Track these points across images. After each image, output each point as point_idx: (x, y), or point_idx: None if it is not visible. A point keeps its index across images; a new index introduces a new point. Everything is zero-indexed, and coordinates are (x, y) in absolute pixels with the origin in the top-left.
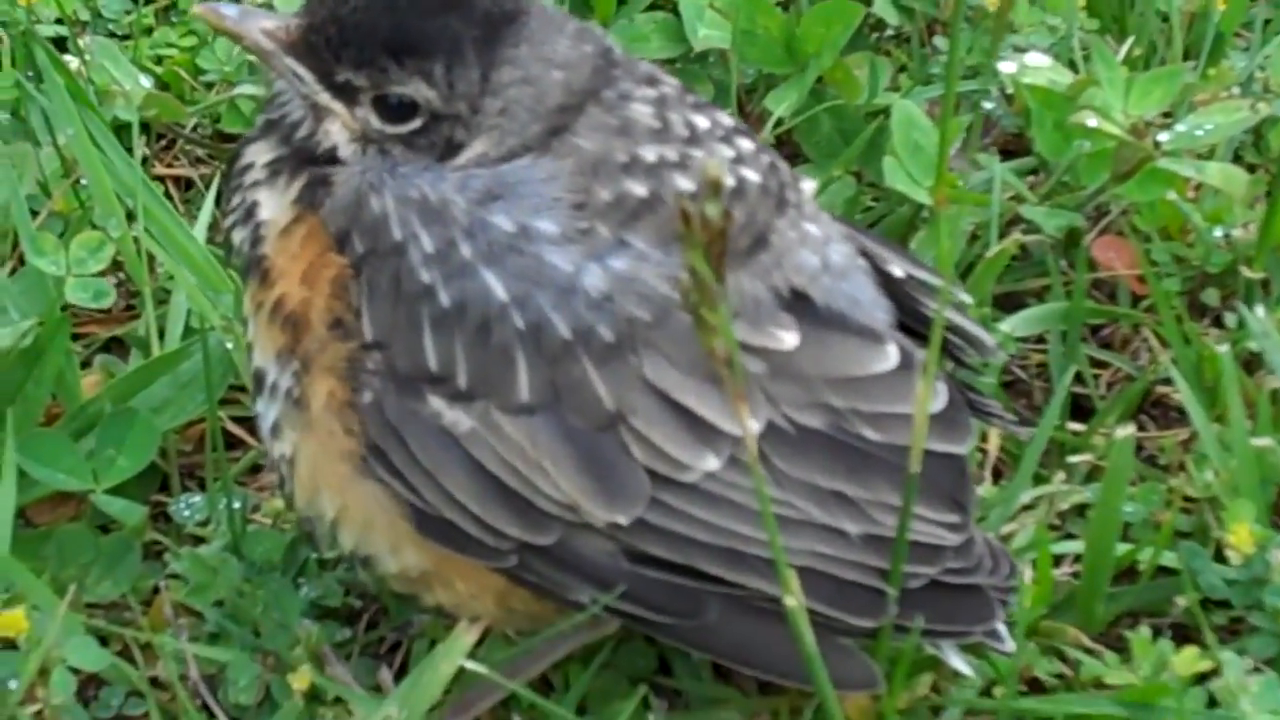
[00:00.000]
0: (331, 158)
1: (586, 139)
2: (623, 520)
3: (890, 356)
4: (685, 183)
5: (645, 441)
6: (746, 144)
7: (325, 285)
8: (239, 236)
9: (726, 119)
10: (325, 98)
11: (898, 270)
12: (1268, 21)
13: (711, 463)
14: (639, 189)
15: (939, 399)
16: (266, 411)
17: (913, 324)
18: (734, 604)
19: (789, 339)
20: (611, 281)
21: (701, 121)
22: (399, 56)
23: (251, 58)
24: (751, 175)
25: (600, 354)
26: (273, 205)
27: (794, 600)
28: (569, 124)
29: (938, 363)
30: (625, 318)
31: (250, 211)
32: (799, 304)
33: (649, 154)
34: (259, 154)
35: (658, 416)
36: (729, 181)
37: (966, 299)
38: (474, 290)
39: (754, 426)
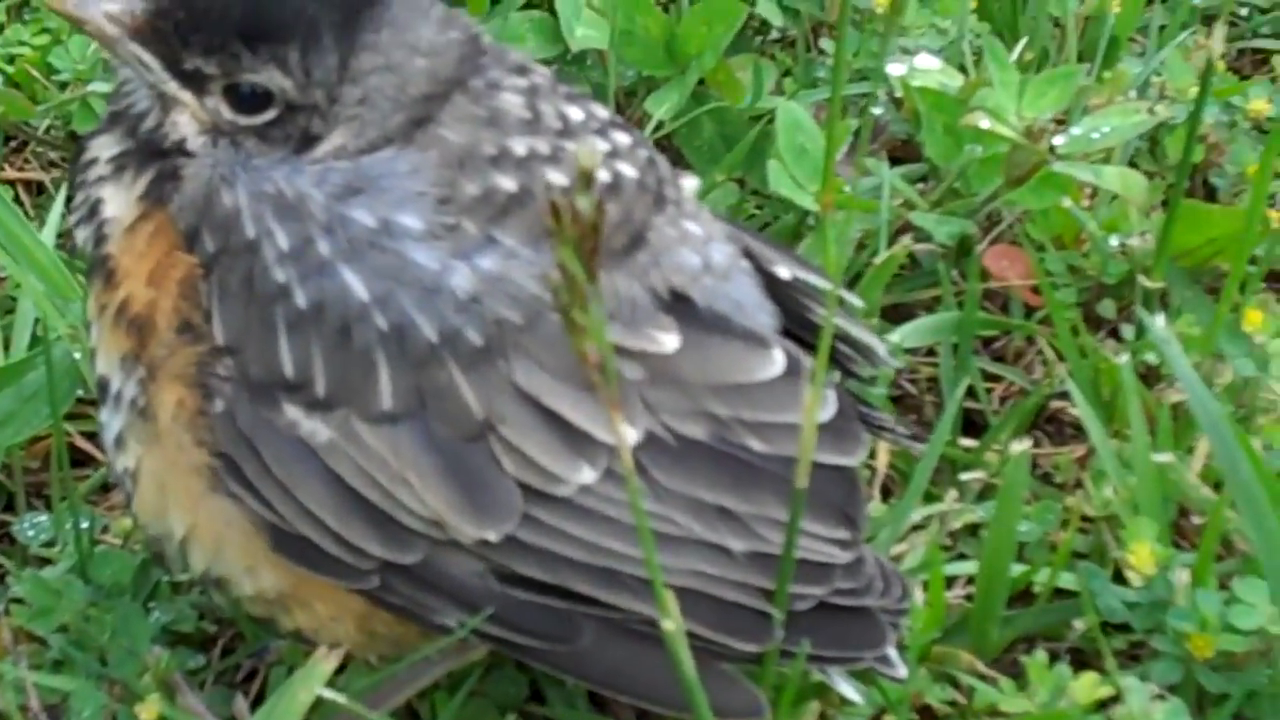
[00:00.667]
0: (180, 150)
1: (452, 130)
2: (492, 537)
3: (776, 362)
4: (558, 177)
5: (516, 452)
6: (623, 138)
7: (173, 286)
8: (83, 235)
9: (602, 111)
10: (173, 87)
11: (784, 272)
12: (1163, 27)
13: (587, 475)
14: (508, 183)
15: (828, 408)
16: (110, 422)
17: (799, 330)
18: (610, 627)
19: (669, 342)
20: (479, 281)
21: (575, 113)
22: (252, 42)
23: (105, 53)
24: (628, 170)
25: (468, 359)
26: (118, 202)
27: (672, 624)
28: (434, 114)
29: (826, 369)
30: (494, 320)
31: (94, 209)
32: (679, 306)
33: (519, 146)
34: (104, 148)
35: (529, 425)
36: (603, 175)
37: (857, 303)
38: (332, 290)
39: (630, 436)
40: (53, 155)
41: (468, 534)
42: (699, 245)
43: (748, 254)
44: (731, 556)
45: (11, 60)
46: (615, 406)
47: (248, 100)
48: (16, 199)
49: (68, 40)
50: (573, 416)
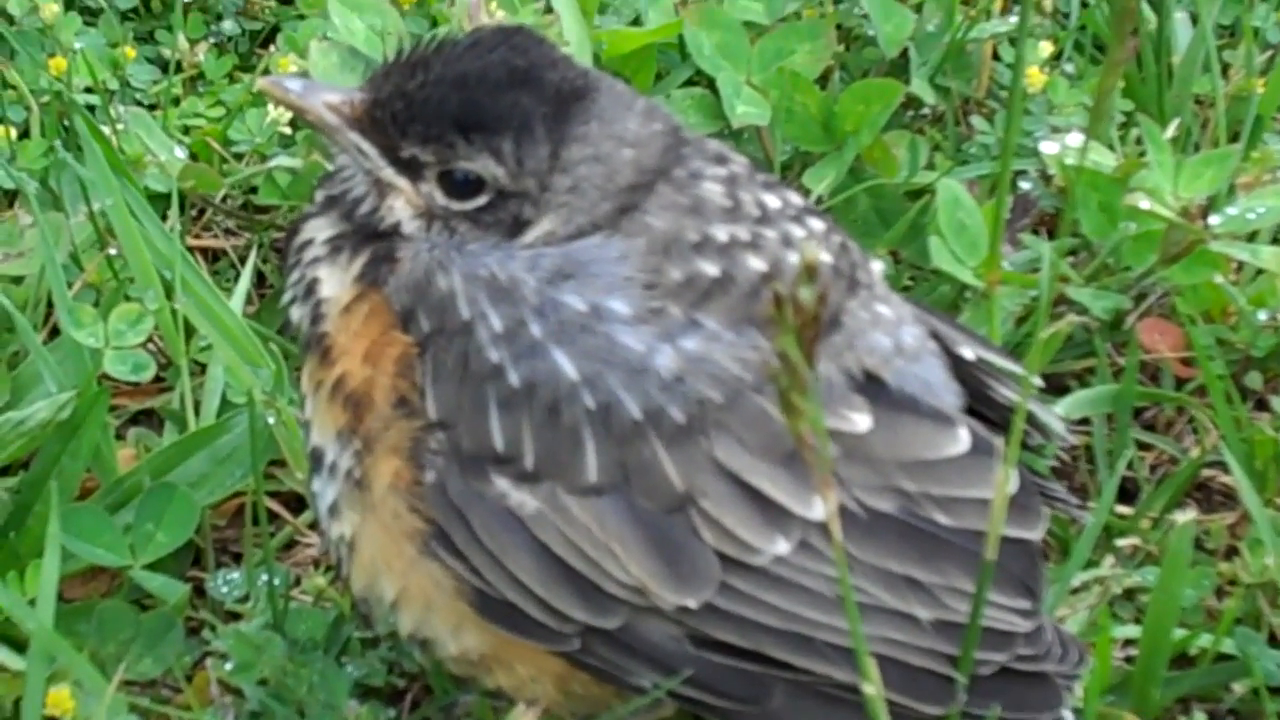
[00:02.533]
0: (396, 234)
1: (658, 218)
2: (692, 604)
3: (962, 440)
4: (757, 263)
5: (715, 524)
6: (817, 223)
7: (390, 364)
8: (298, 313)
9: (796, 198)
10: (389, 173)
11: (968, 353)
12: None
13: (782, 546)
14: (711, 269)
15: (1012, 483)
16: (324, 491)
17: (981, 407)
18: (799, 689)
19: (861, 421)
20: (683, 362)
21: (772, 201)
22: (467, 133)
23: (285, 129)
24: (823, 256)
25: (671, 435)
26: (334, 282)
27: (873, 688)
28: (639, 202)
29: (1018, 451)
30: (696, 399)
31: (310, 288)
32: (871, 386)
33: (720, 233)
34: (319, 230)
35: (728, 499)
36: (824, 258)
37: (1038, 383)
38: (544, 370)
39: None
40: (230, 224)
41: (668, 601)
42: (890, 328)
43: (934, 335)
44: (919, 624)
45: (187, 131)
46: (828, 485)
47: (461, 187)
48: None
49: (244, 114)
50: (770, 491)
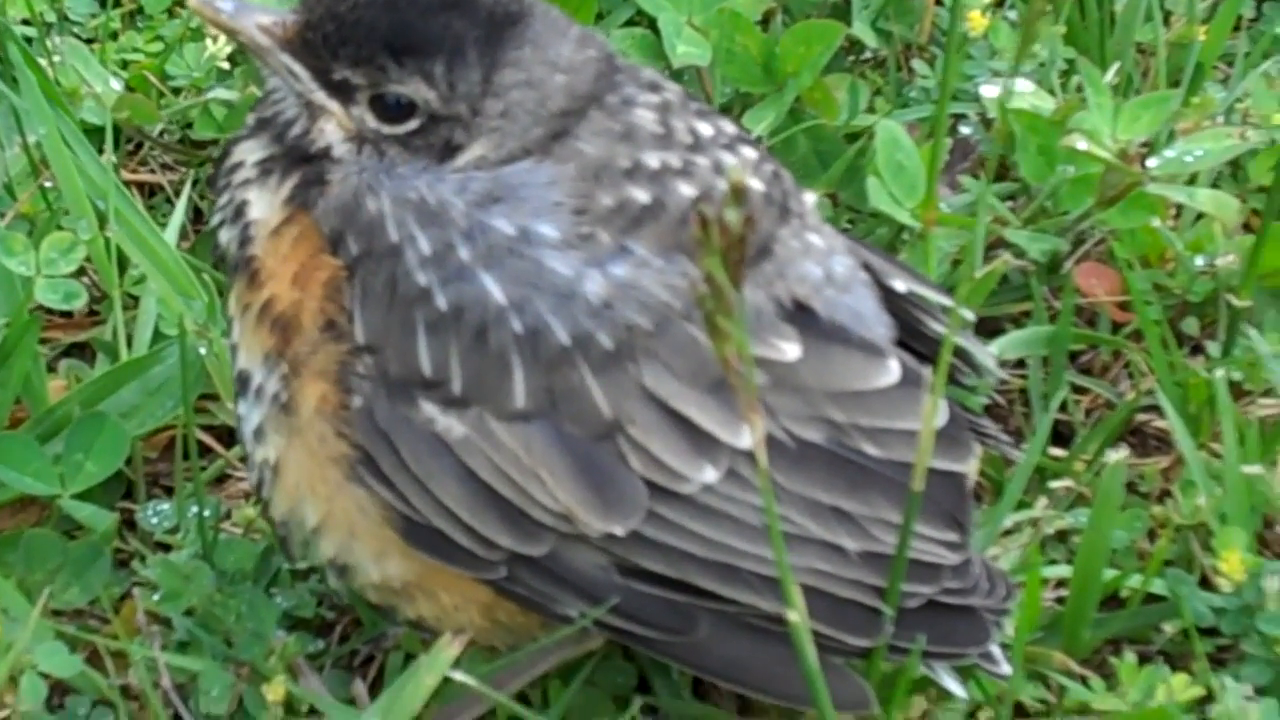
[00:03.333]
0: (326, 157)
1: (589, 144)
2: (619, 531)
3: (892, 371)
4: (688, 190)
5: (643, 451)
6: (750, 151)
7: (318, 287)
8: (226, 236)
9: (730, 126)
10: (321, 96)
11: (900, 285)
12: (1247, 54)
13: (710, 475)
14: (642, 195)
15: (941, 416)
16: (249, 415)
17: (912, 341)
18: (726, 620)
19: (790, 350)
20: (612, 288)
21: (705, 128)
22: (399, 55)
23: (223, 64)
24: (755, 184)
25: (599, 362)
26: (263, 205)
27: (797, 615)
28: (571, 128)
29: (945, 381)
30: (625, 325)
31: (239, 211)
32: (801, 315)
33: (652, 160)
34: (249, 152)
35: (656, 426)
36: (756, 185)
37: (970, 317)
38: (471, 294)
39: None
40: (168, 159)
41: (595, 528)
42: (822, 257)
43: (866, 267)
44: (846, 555)
45: (125, 65)
46: (754, 408)
47: (393, 110)
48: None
49: (182, 48)
50: (698, 418)
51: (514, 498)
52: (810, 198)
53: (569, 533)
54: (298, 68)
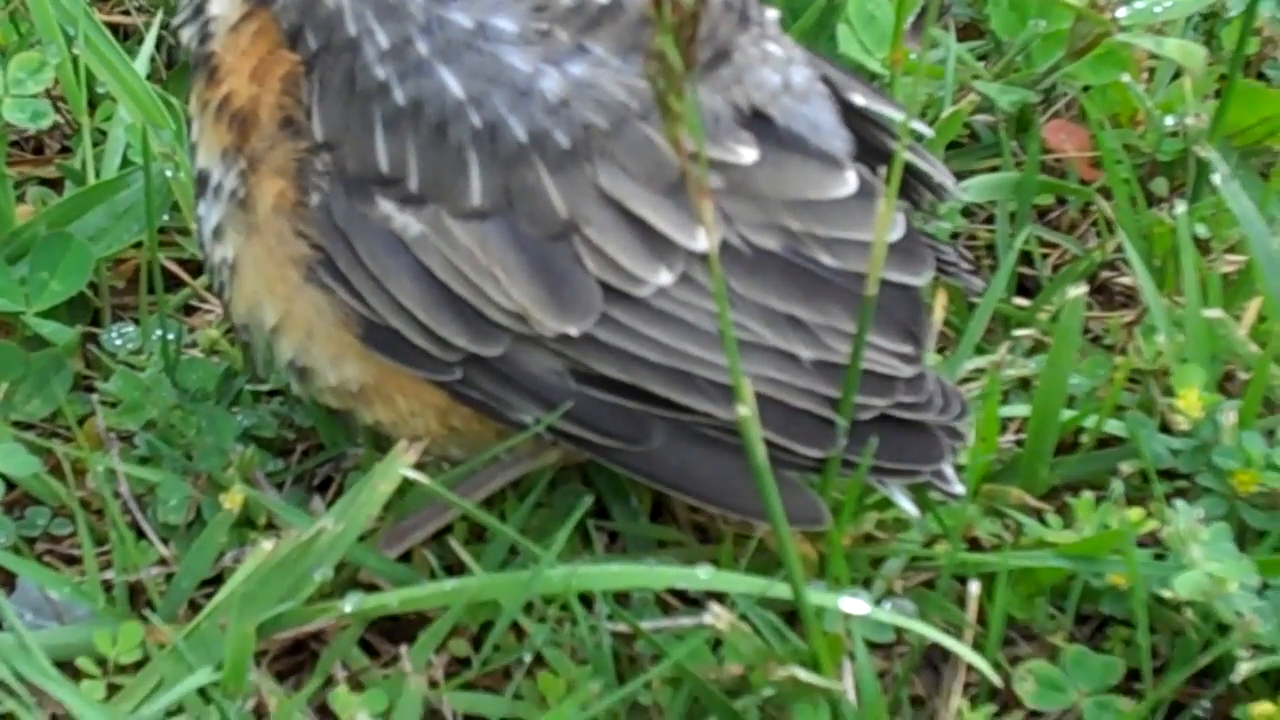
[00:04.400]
0: None
1: None
2: (573, 331)
3: (849, 182)
4: None
5: (598, 252)
6: None
7: (275, 82)
8: (187, 34)
9: None
10: None
11: (859, 100)
12: None
13: (664, 277)
14: None
15: (897, 229)
16: (208, 214)
17: (870, 158)
18: (680, 430)
19: (747, 155)
20: (569, 86)
21: None
22: None
23: None
24: None
25: (555, 160)
26: (223, 1)
27: (747, 410)
28: None
29: (898, 190)
30: (582, 124)
31: (199, 8)
32: (758, 123)
33: None
34: None
35: (611, 227)
36: None
37: (928, 132)
38: (430, 88)
39: (716, 228)
40: (142, 1)
41: (549, 328)
42: (780, 66)
43: (826, 80)
44: (800, 364)
45: None
46: (705, 194)
47: None
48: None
49: None
50: (654, 220)
51: (469, 296)
52: (772, 11)
53: (524, 333)
54: None
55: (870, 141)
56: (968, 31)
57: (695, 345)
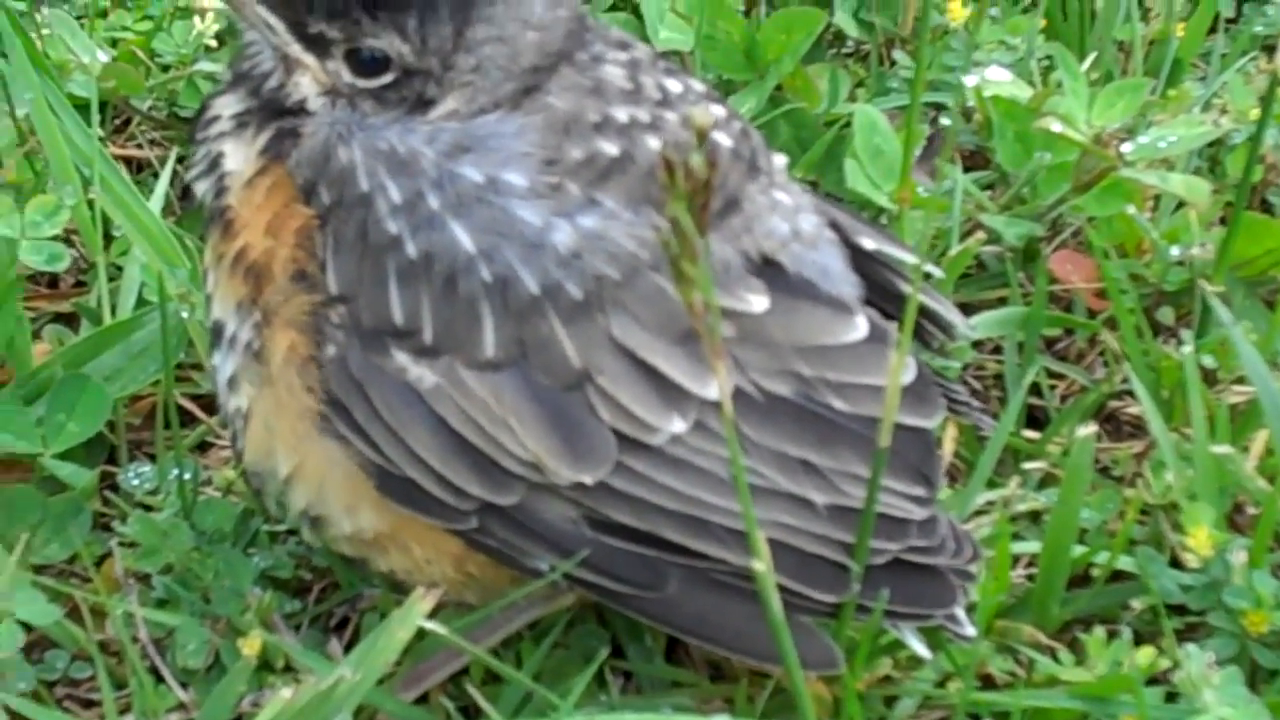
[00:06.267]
0: (301, 110)
1: (559, 98)
2: (588, 480)
3: (860, 327)
4: (657, 144)
5: (612, 402)
6: (718, 109)
7: (290, 236)
8: (202, 187)
9: (698, 85)
10: (297, 49)
11: (868, 244)
12: (1224, 55)
13: (678, 425)
14: (610, 148)
15: (908, 372)
16: (223, 364)
17: (880, 301)
18: (695, 576)
19: (758, 303)
20: (580, 239)
21: (674, 85)
22: (373, 9)
23: (211, 41)
24: (724, 139)
25: (568, 312)
26: (238, 156)
27: (762, 565)
28: (542, 84)
29: (911, 335)
30: (594, 276)
31: (215, 162)
32: (768, 270)
33: (621, 114)
34: (226, 106)
35: (625, 377)
36: (725, 141)
37: (938, 274)
38: (441, 242)
39: (728, 381)
40: (155, 135)
41: (564, 477)
42: (789, 214)
43: (834, 226)
44: (813, 509)
45: (114, 43)
46: (718, 353)
47: (367, 64)
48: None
49: (169, 26)
50: (666, 369)
51: (484, 446)
52: (780, 158)
53: (539, 482)
54: (274, 21)
55: (880, 282)
56: (974, 160)
57: (709, 492)
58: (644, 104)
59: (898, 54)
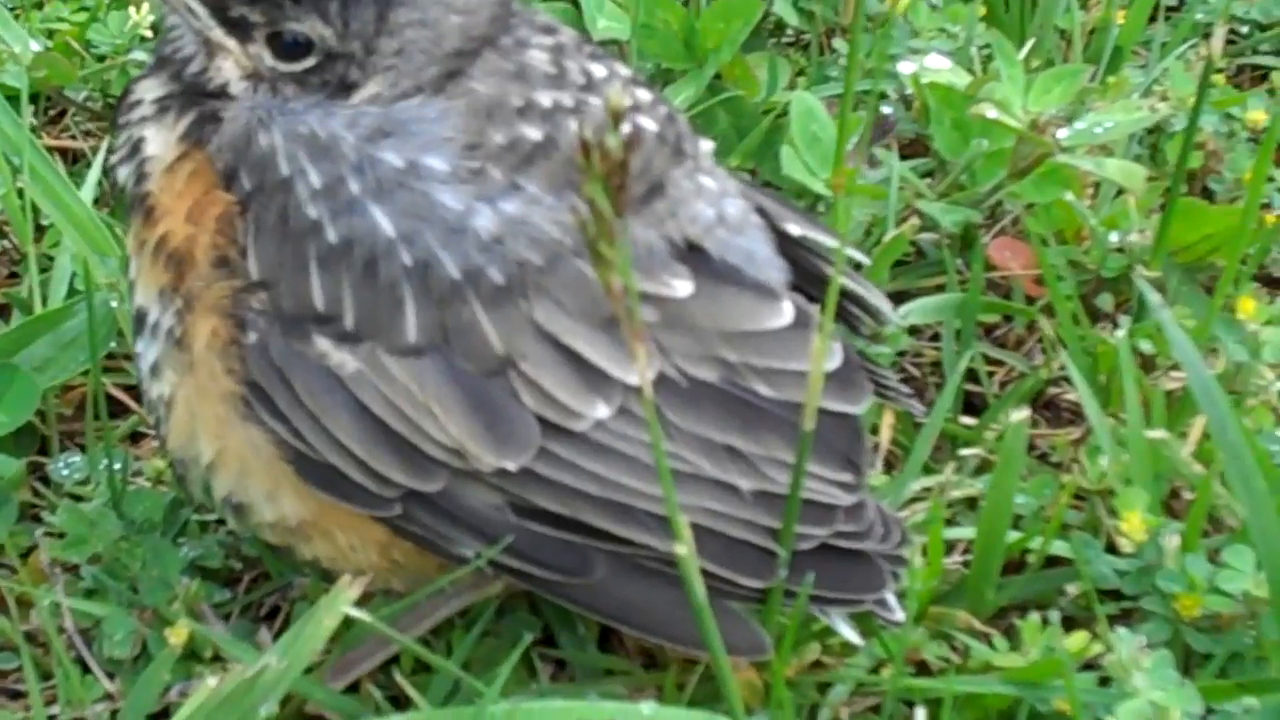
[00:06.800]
0: (223, 94)
1: (482, 83)
2: (511, 466)
3: (785, 313)
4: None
5: (535, 387)
6: (644, 94)
7: (211, 222)
8: (124, 173)
9: (624, 69)
10: (219, 33)
11: (794, 229)
12: (1165, 43)
13: (602, 411)
14: (533, 133)
15: (834, 358)
16: (146, 351)
17: (807, 286)
18: (622, 562)
19: (682, 288)
20: (502, 224)
21: (598, 70)
22: None
23: (146, 31)
24: (649, 123)
25: (490, 296)
26: (159, 141)
27: (685, 548)
28: (465, 69)
29: (834, 319)
30: (516, 261)
31: (136, 147)
32: (693, 255)
33: (544, 99)
34: (148, 90)
35: (548, 362)
36: (625, 126)
37: (864, 260)
38: (361, 226)
39: (650, 366)
40: (89, 126)
41: (487, 463)
42: (714, 199)
43: (760, 211)
44: (739, 495)
45: (50, 35)
46: (638, 335)
47: (289, 48)
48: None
49: (105, 16)
50: (590, 355)
51: (407, 432)
52: (707, 144)
53: (462, 468)
54: (196, 4)
55: (807, 269)
56: (913, 148)
57: (634, 478)
58: (568, 89)
59: (838, 43)
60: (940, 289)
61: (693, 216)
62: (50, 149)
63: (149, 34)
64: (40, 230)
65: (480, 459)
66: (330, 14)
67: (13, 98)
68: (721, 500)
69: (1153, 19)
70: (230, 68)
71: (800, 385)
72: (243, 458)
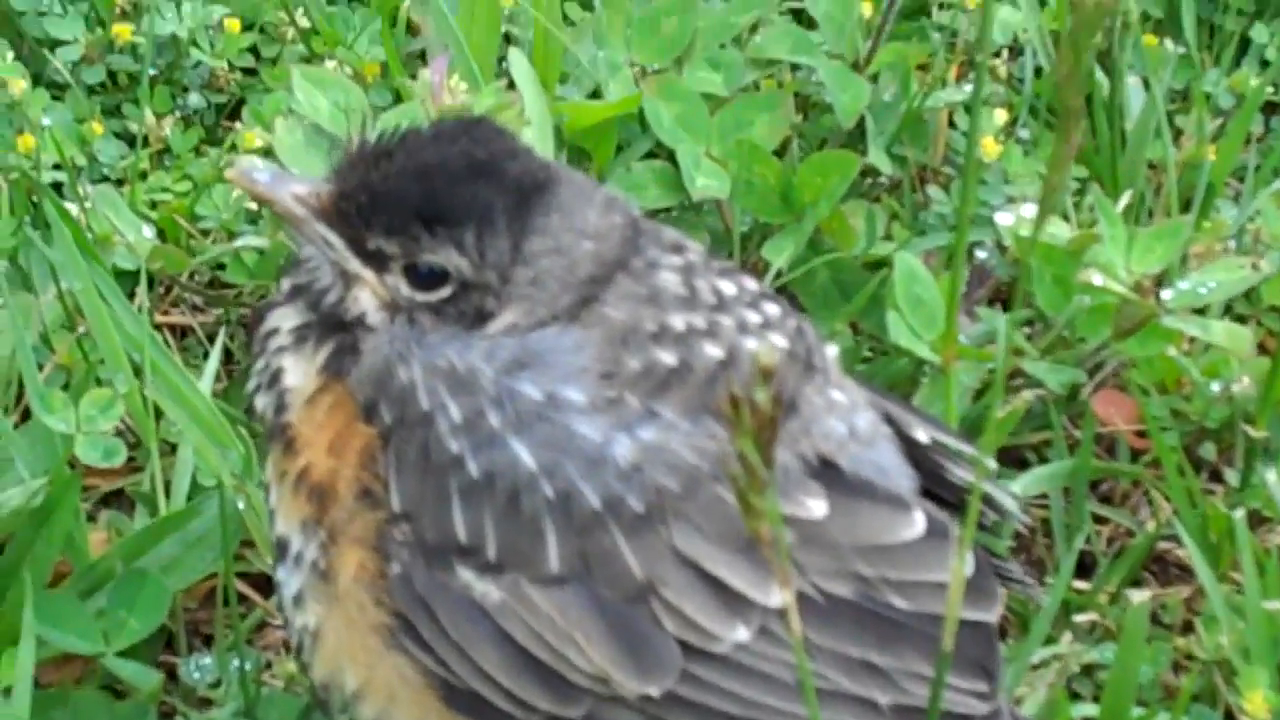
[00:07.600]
0: (360, 325)
1: (615, 309)
2: (654, 692)
3: (917, 524)
4: (714, 350)
5: (676, 613)
6: (773, 309)
7: (353, 456)
8: (262, 402)
9: (752, 284)
10: (355, 265)
11: (922, 435)
12: (1257, 167)
13: (742, 634)
14: (668, 358)
15: (968, 566)
16: (288, 580)
17: (936, 489)
18: None
19: (817, 508)
20: (640, 451)
21: (728, 287)
22: (430, 224)
23: (252, 204)
24: (779, 340)
25: (630, 524)
26: (298, 372)
27: None
28: (599, 294)
29: (973, 533)
30: (654, 488)
31: (275, 377)
32: (827, 472)
33: (677, 322)
34: (285, 319)
35: (688, 588)
36: (754, 343)
37: (991, 465)
38: (503, 460)
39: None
40: (198, 301)
41: (631, 689)
42: (845, 413)
43: (888, 419)
44: (878, 710)
45: (154, 206)
46: (787, 584)
47: (425, 279)
48: (165, 343)
49: (210, 189)
50: (729, 579)
51: (551, 661)
52: (833, 352)
53: (606, 694)
54: (333, 237)
55: (934, 471)
56: (1001, 294)
57: (775, 697)
58: (700, 310)
59: (931, 188)
60: (1045, 444)
61: (825, 433)
62: (161, 326)
63: (254, 206)
64: (158, 413)
65: (624, 685)
66: (466, 245)
67: (122, 274)
68: (861, 715)
69: (1244, 142)
70: (367, 298)
71: (935, 596)
72: (391, 687)
